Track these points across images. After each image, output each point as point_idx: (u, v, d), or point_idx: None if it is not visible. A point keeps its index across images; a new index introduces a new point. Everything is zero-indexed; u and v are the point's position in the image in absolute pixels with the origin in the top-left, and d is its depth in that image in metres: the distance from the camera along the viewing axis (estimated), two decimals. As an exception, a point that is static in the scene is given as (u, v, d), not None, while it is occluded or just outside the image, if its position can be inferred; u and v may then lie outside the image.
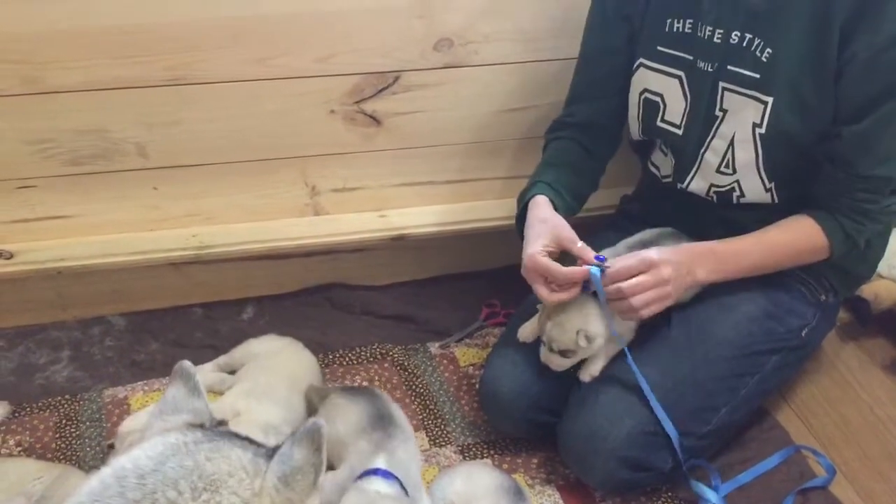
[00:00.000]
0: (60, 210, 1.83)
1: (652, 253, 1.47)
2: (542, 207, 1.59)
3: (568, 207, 1.63)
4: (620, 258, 1.47)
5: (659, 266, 1.45)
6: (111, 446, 1.55)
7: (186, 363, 1.06)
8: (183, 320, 1.93)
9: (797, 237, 1.54)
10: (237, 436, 1.00)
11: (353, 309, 2.02)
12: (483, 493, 1.45)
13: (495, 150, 2.02)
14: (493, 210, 2.04)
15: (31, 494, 1.43)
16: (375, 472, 1.35)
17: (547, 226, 1.54)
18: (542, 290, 1.49)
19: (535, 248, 1.50)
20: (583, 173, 1.71)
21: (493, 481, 1.48)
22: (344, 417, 1.48)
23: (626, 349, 1.52)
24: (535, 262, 1.49)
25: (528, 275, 1.52)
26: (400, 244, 2.00)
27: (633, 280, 1.44)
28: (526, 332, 1.64)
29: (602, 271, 1.45)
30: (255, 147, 1.86)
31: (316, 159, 1.92)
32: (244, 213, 1.94)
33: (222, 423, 1.06)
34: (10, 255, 1.81)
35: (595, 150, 1.73)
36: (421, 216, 2.02)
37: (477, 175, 2.04)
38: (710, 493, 1.53)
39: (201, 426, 1.00)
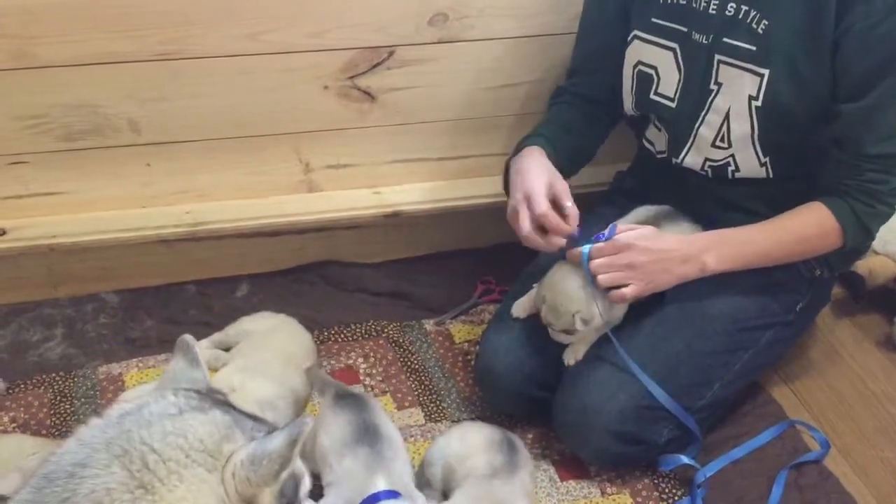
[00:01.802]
0: (53, 186, 1.82)
1: (630, 235, 1.46)
2: (537, 154, 1.58)
3: (561, 168, 1.60)
4: (620, 228, 1.49)
5: (631, 250, 1.45)
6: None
7: (187, 336, 1.09)
8: (177, 297, 1.93)
9: (808, 222, 1.51)
10: (228, 403, 1.01)
11: (347, 286, 2.01)
12: (475, 450, 1.45)
13: (489, 126, 2.01)
14: (487, 187, 2.02)
15: (27, 470, 1.42)
16: (377, 497, 1.33)
17: (544, 169, 1.53)
18: (525, 226, 1.48)
19: (539, 184, 1.49)
20: (581, 138, 1.71)
21: (485, 438, 1.48)
22: (327, 430, 1.46)
23: (609, 332, 1.52)
24: (534, 191, 1.48)
25: (518, 207, 1.49)
26: (394, 221, 1.99)
27: (603, 260, 1.46)
28: (520, 308, 1.64)
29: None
30: (248, 123, 1.85)
31: (310, 136, 1.91)
32: (237, 190, 1.93)
33: (219, 392, 1.06)
34: (3, 232, 1.80)
35: (596, 120, 1.72)
36: (415, 193, 2.01)
37: (471, 152, 2.03)
38: (681, 457, 1.54)
39: (196, 391, 1.01)
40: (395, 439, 1.46)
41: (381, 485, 1.34)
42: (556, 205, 1.51)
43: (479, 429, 1.53)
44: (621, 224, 1.53)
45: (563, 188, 1.52)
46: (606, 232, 1.49)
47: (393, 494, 1.33)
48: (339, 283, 2.01)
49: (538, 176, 1.53)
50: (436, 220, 2.03)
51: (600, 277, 1.46)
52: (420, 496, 1.40)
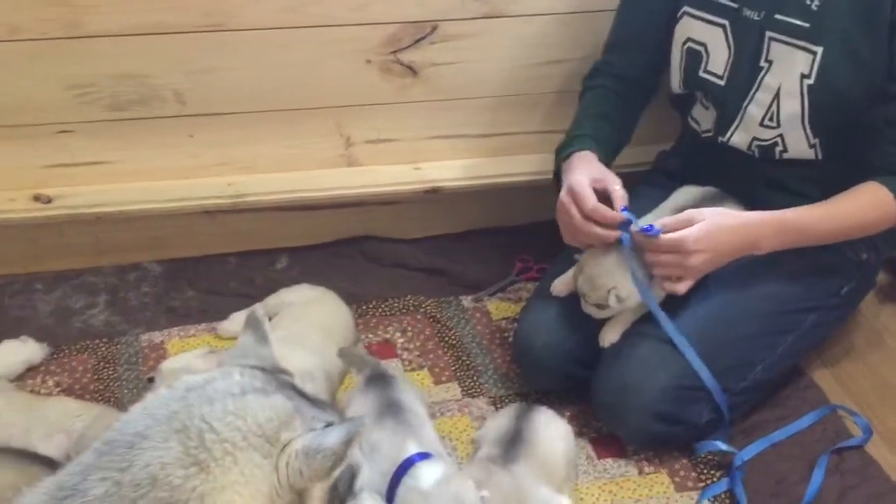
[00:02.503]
0: (99, 156, 1.84)
1: (690, 236, 1.42)
2: (587, 159, 1.58)
3: (605, 161, 1.61)
4: (666, 222, 1.46)
5: (688, 251, 1.43)
6: (150, 380, 1.57)
7: (258, 311, 1.11)
8: (217, 269, 1.94)
9: (867, 204, 1.48)
10: (292, 386, 1.01)
11: (385, 261, 2.01)
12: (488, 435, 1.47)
13: (531, 103, 1.99)
14: (526, 165, 2.02)
15: (72, 432, 1.45)
16: (411, 460, 1.33)
17: (594, 166, 1.54)
18: (575, 219, 1.48)
19: (582, 176, 1.50)
20: (619, 125, 1.70)
21: (498, 426, 1.48)
22: (353, 409, 1.47)
23: (656, 308, 1.50)
24: (580, 184, 1.48)
25: (564, 200, 1.50)
26: (433, 197, 1.99)
27: (659, 258, 1.45)
28: (561, 285, 1.63)
29: (629, 233, 1.46)
30: (289, 96, 1.85)
31: (351, 110, 1.91)
32: (278, 163, 1.94)
33: (285, 371, 1.07)
34: (49, 200, 1.83)
35: (631, 101, 1.71)
36: (455, 169, 2.00)
37: (512, 129, 2.02)
38: (718, 443, 1.52)
39: (263, 370, 1.02)
40: (418, 412, 1.46)
41: (412, 448, 1.35)
42: (602, 198, 1.49)
43: (501, 415, 1.53)
44: (666, 218, 1.49)
45: (611, 178, 1.52)
46: (652, 227, 1.46)
47: (426, 456, 1.34)
48: (378, 259, 2.02)
49: (583, 172, 1.53)
50: (475, 196, 2.02)
51: (656, 271, 1.47)
52: (450, 459, 1.41)
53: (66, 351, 1.73)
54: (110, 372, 1.69)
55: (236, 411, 0.92)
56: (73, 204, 1.83)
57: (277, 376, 1.01)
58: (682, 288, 1.47)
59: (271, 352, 1.06)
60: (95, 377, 1.68)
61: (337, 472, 0.93)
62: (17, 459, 1.32)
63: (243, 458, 0.89)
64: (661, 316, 1.49)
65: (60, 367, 1.69)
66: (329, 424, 0.97)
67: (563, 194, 1.52)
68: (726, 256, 1.47)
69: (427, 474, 1.30)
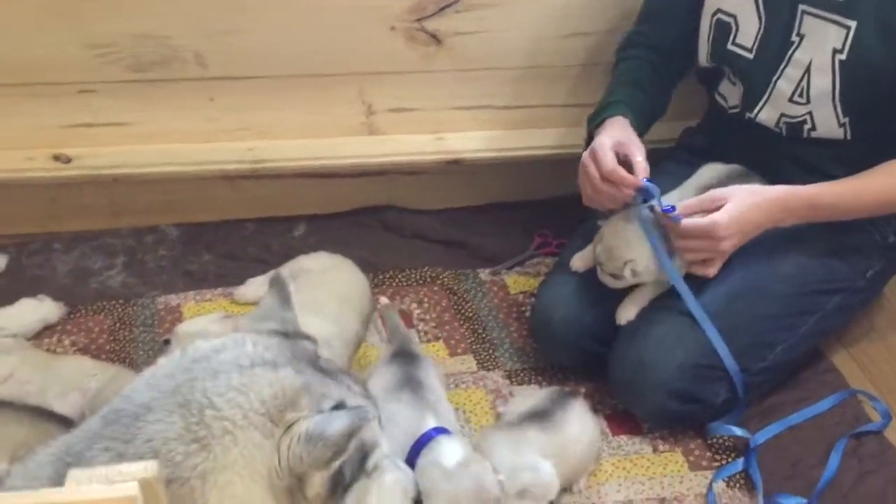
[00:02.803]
0: (119, 117, 1.84)
1: (721, 222, 1.41)
2: (618, 123, 1.56)
3: (638, 131, 1.58)
4: (690, 204, 1.45)
5: (718, 236, 1.42)
6: (166, 342, 1.58)
7: (283, 273, 1.10)
8: (235, 234, 1.94)
9: None
10: (310, 358, 0.97)
11: (404, 232, 2.00)
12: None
13: (556, 76, 1.96)
14: (549, 138, 1.99)
15: (87, 391, 1.46)
16: (429, 435, 1.31)
17: (623, 131, 1.52)
18: (593, 180, 1.47)
19: (606, 138, 1.49)
20: (653, 95, 1.67)
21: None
22: (373, 381, 1.45)
23: (679, 281, 1.48)
24: (601, 145, 1.47)
25: (585, 160, 1.50)
26: (454, 168, 1.97)
27: (689, 244, 1.44)
28: (578, 261, 1.61)
29: (651, 209, 1.45)
30: (312, 61, 1.84)
31: (373, 77, 1.89)
32: (299, 130, 1.92)
33: (308, 337, 1.05)
34: (68, 160, 1.82)
35: (665, 72, 1.68)
36: (477, 141, 1.98)
37: (536, 101, 1.99)
38: (732, 427, 1.51)
39: (284, 334, 1.00)
40: (436, 388, 1.45)
41: (431, 422, 1.34)
42: (625, 165, 1.47)
43: (535, 394, 1.51)
44: (691, 200, 1.47)
45: (637, 146, 1.49)
46: (673, 208, 1.44)
47: (444, 430, 1.33)
48: (397, 229, 2.00)
49: (608, 135, 1.51)
50: (496, 169, 2.00)
51: (688, 258, 1.46)
52: (465, 439, 1.40)
53: (83, 311, 1.74)
54: (126, 333, 1.69)
55: (240, 387, 0.89)
56: (92, 164, 1.82)
57: (294, 344, 0.98)
58: (712, 271, 1.46)
59: (294, 315, 1.04)
60: (111, 338, 1.68)
61: (337, 464, 0.89)
62: (32, 417, 1.33)
63: (243, 438, 0.87)
64: (685, 290, 1.48)
65: (77, 326, 1.70)
66: (339, 405, 0.93)
67: (584, 154, 1.51)
68: (752, 234, 1.46)
69: (449, 451, 1.29)
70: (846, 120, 1.49)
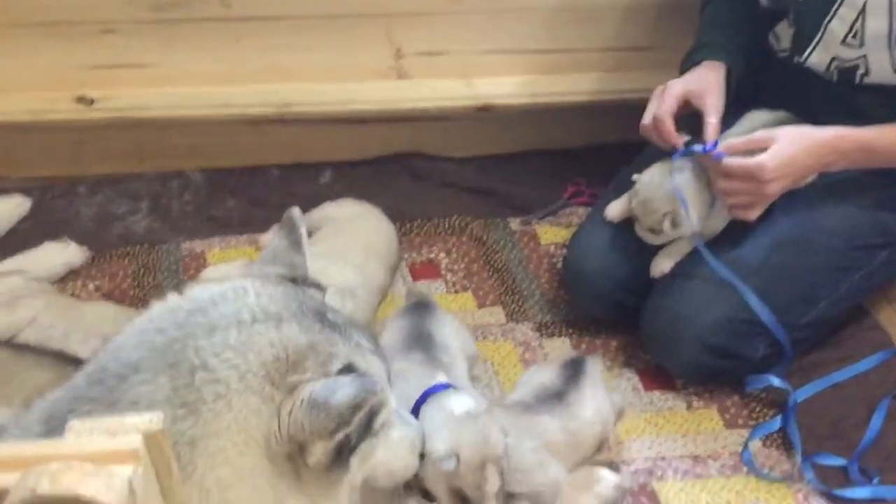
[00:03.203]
0: (142, 58, 1.80)
1: (768, 164, 1.34)
2: (712, 69, 1.49)
3: (740, 73, 1.52)
4: (734, 143, 1.39)
5: (764, 178, 1.35)
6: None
7: (295, 210, 1.01)
8: (260, 180, 1.90)
9: None
10: (320, 310, 0.91)
11: (433, 180, 1.95)
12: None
13: (593, 18, 1.88)
14: (586, 83, 1.92)
15: (108, 337, 1.43)
16: (435, 388, 1.25)
17: (706, 80, 1.46)
18: (645, 117, 1.44)
19: (683, 83, 1.45)
20: (751, 34, 1.58)
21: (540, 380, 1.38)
22: (383, 335, 1.41)
23: (699, 243, 1.43)
24: (670, 91, 1.43)
25: (655, 93, 1.46)
26: (485, 115, 1.91)
27: (733, 186, 1.38)
28: (614, 210, 1.56)
29: (691, 153, 1.40)
30: (339, 1, 1.77)
31: (402, 18, 1.83)
32: (326, 73, 1.87)
33: (317, 284, 1.00)
34: (92, 101, 1.79)
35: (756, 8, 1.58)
36: (509, 86, 1.92)
37: (572, 45, 1.91)
38: (771, 377, 1.45)
39: (293, 280, 0.95)
40: (451, 347, 1.38)
41: (441, 378, 1.28)
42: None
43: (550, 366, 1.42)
44: (735, 139, 1.41)
45: (713, 103, 1.43)
46: (714, 146, 1.39)
47: (444, 387, 1.26)
48: (425, 177, 1.95)
49: (686, 81, 1.46)
50: (529, 116, 1.94)
51: (730, 201, 1.40)
52: (481, 398, 1.34)
53: (107, 256, 1.72)
54: (150, 279, 1.67)
55: (237, 345, 0.82)
56: (115, 107, 1.79)
57: (302, 294, 0.92)
58: (753, 215, 1.40)
59: (304, 260, 0.98)
60: (135, 283, 1.66)
61: (341, 436, 0.83)
62: (54, 362, 1.31)
63: (238, 403, 0.80)
64: (707, 254, 1.43)
65: (101, 271, 1.68)
66: (347, 367, 0.87)
67: (658, 89, 1.47)
68: (800, 179, 1.40)
69: (457, 401, 1.23)
70: (902, 66, 1.41)
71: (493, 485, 1.13)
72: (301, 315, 0.88)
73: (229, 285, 0.89)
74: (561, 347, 1.59)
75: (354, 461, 0.88)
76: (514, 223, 1.86)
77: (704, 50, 1.52)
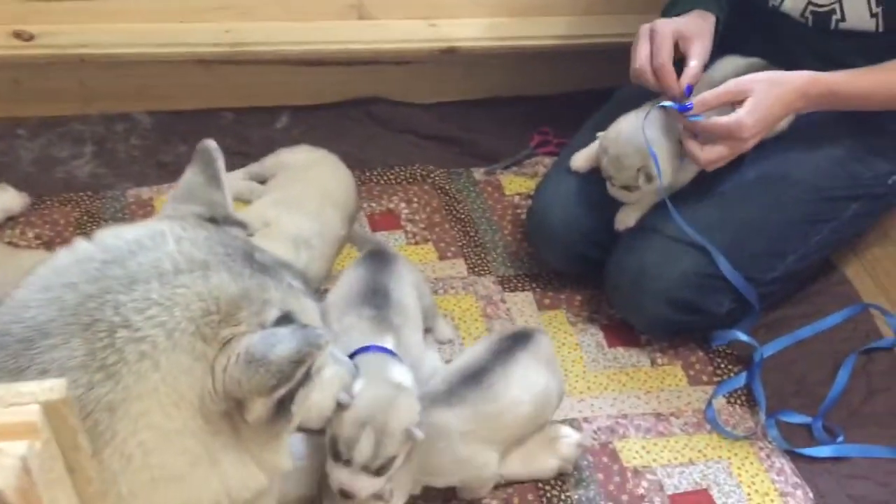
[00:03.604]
0: (84, -9, 1.69)
1: (747, 122, 1.29)
2: (702, 17, 1.42)
3: (723, 25, 1.46)
4: (707, 99, 1.32)
5: (742, 136, 1.30)
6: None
7: (210, 143, 0.91)
8: (212, 124, 1.81)
9: None
10: (248, 253, 0.83)
11: (395, 126, 1.88)
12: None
13: (567, -44, 1.81)
14: (554, 27, 1.85)
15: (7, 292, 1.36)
16: (368, 348, 1.16)
17: (695, 23, 1.39)
18: (643, 62, 1.36)
19: (672, 24, 1.37)
20: None
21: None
22: (337, 285, 1.32)
23: (666, 197, 1.38)
24: (663, 33, 1.35)
25: (641, 36, 1.38)
26: (449, 58, 1.84)
27: (714, 150, 1.33)
28: (581, 160, 1.50)
29: (664, 108, 1.34)
30: (297, -65, 1.68)
31: (363, -47, 1.74)
32: (282, 11, 1.78)
33: (240, 222, 0.92)
34: (31, 37, 1.68)
35: None
36: (475, 28, 1.84)
37: (542, -15, 1.84)
38: (737, 332, 1.42)
39: (212, 220, 0.87)
40: (407, 306, 1.29)
41: (388, 343, 1.19)
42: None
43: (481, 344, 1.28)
44: (707, 93, 1.33)
45: (698, 48, 1.37)
46: (690, 107, 1.33)
47: (386, 351, 1.17)
48: (386, 122, 1.88)
49: (675, 21, 1.39)
50: (495, 60, 1.87)
51: (705, 156, 1.33)
52: (436, 364, 1.28)
53: (49, 202, 1.63)
54: (94, 227, 1.57)
55: (162, 300, 0.75)
56: (55, 43, 1.69)
57: (226, 235, 0.85)
58: (723, 163, 1.35)
59: (223, 196, 0.90)
60: (78, 231, 1.58)
61: (281, 392, 0.77)
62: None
63: (166, 363, 0.74)
64: (674, 212, 1.38)
65: (41, 218, 1.60)
66: (285, 315, 0.81)
67: (644, 30, 1.38)
68: (772, 125, 1.35)
69: (389, 368, 1.13)
70: (879, 10, 1.36)
71: (361, 450, 1.04)
72: (229, 260, 0.81)
73: (144, 230, 0.81)
74: (524, 302, 1.54)
75: (294, 408, 0.83)
76: (478, 172, 1.80)
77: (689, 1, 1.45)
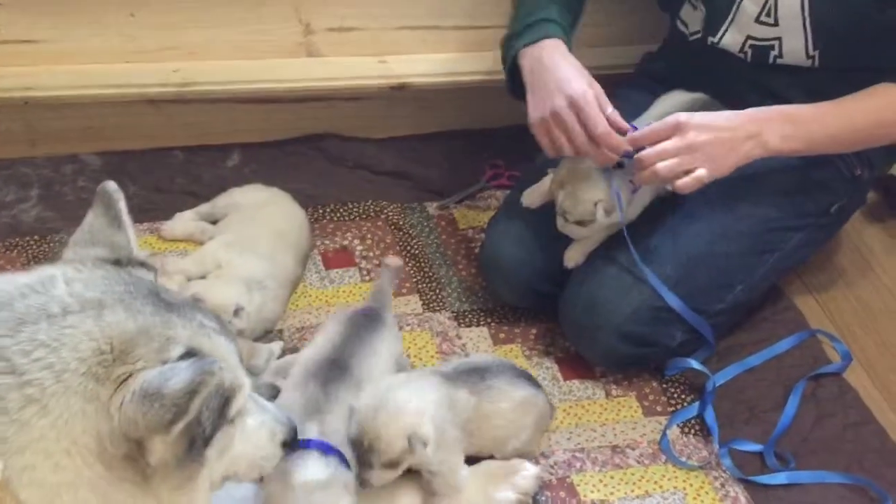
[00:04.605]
0: (28, 33, 1.68)
1: (681, 115, 1.31)
2: (562, 49, 1.41)
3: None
4: (637, 138, 1.33)
5: (686, 131, 1.30)
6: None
7: (110, 184, 0.90)
8: (162, 164, 1.80)
9: (883, 105, 1.37)
10: (152, 291, 0.81)
11: (347, 162, 1.88)
12: None
13: (511, -7, 1.83)
14: (503, 62, 1.87)
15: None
16: (307, 444, 1.14)
17: (579, 71, 1.36)
18: (577, 138, 1.32)
19: (581, 83, 1.33)
20: (578, 7, 1.53)
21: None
22: (314, 342, 1.32)
23: (625, 232, 1.38)
24: (585, 98, 1.30)
25: (562, 112, 1.32)
26: (400, 94, 1.85)
27: (657, 147, 1.31)
28: (533, 196, 1.51)
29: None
30: (243, -26, 1.68)
31: (311, -8, 1.74)
32: (231, 50, 1.78)
33: (145, 263, 0.90)
34: (-27, 81, 1.66)
35: None
36: (425, 64, 1.85)
37: (490, 22, 1.85)
38: (691, 361, 1.44)
39: (117, 262, 0.85)
40: (361, 381, 1.25)
41: (312, 433, 1.16)
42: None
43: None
44: (652, 125, 1.34)
45: (600, 91, 1.35)
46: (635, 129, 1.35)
47: (326, 449, 1.16)
48: (338, 159, 1.88)
49: (578, 80, 1.34)
50: (446, 95, 1.88)
51: (659, 166, 1.29)
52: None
53: (-6, 248, 1.60)
54: (41, 272, 1.56)
55: (49, 341, 0.72)
56: (0, 86, 1.66)
57: (128, 275, 0.83)
58: (704, 174, 1.31)
59: (126, 237, 0.88)
60: (25, 278, 1.54)
61: (179, 427, 0.74)
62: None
63: (56, 406, 0.71)
64: (629, 242, 1.38)
65: (-14, 264, 1.56)
66: (191, 351, 0.78)
67: (561, 104, 1.33)
68: (737, 143, 1.33)
69: (312, 469, 1.13)
70: (815, 53, 1.41)
71: None
72: (129, 298, 0.79)
73: (35, 275, 0.80)
74: (479, 337, 1.55)
75: (212, 453, 0.81)
76: (431, 207, 1.81)
77: (544, 26, 1.43)
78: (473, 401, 1.25)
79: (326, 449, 1.14)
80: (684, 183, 1.31)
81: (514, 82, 1.47)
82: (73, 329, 0.74)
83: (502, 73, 1.83)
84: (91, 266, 0.82)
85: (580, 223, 1.40)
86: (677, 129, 1.31)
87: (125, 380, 0.74)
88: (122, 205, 0.89)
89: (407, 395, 1.18)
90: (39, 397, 0.71)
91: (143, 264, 0.87)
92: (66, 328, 0.74)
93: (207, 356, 0.79)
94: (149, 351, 0.76)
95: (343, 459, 1.16)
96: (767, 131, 1.34)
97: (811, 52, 1.40)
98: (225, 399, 0.80)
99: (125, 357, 0.75)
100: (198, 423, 0.77)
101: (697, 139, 1.30)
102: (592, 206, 1.36)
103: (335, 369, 1.25)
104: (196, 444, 0.78)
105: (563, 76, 1.35)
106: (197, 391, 0.73)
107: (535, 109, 1.38)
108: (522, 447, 1.31)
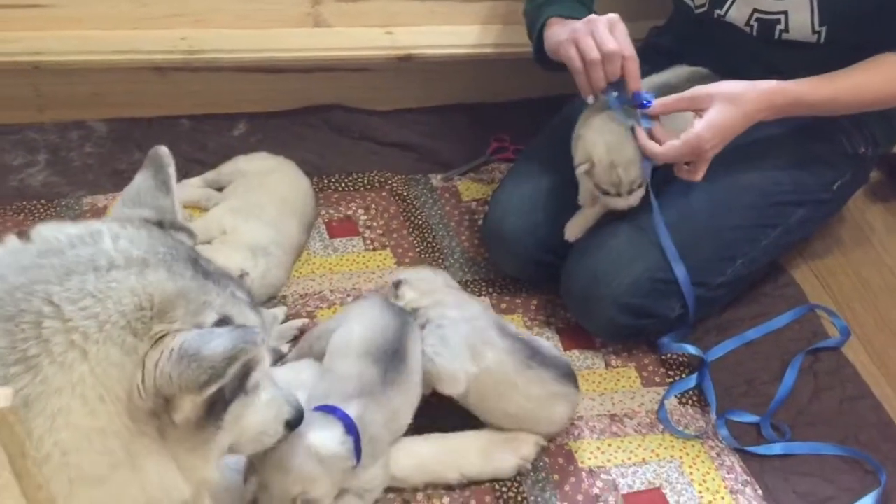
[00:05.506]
0: (37, -1, 1.68)
1: (703, 135, 1.30)
2: None
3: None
4: (668, 101, 1.35)
5: (706, 152, 1.33)
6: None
7: (162, 149, 0.92)
8: (169, 131, 1.80)
9: (888, 79, 1.38)
10: (190, 257, 0.83)
11: (353, 133, 1.88)
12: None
13: (519, -35, 1.83)
14: (512, 35, 1.85)
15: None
16: (338, 412, 1.13)
17: None
18: (589, 53, 1.31)
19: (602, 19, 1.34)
20: None
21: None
22: (359, 319, 1.27)
23: (653, 197, 1.39)
24: (595, 20, 1.32)
25: (578, 35, 1.33)
26: (407, 66, 1.85)
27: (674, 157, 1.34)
28: (574, 229, 1.48)
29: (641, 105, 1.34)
30: (251, -58, 1.68)
31: (320, -38, 1.74)
32: (238, 19, 1.78)
33: (186, 229, 0.92)
34: (-18, 45, 1.67)
35: None
36: (432, 36, 1.85)
37: (498, -7, 1.86)
38: (685, 346, 1.46)
39: (160, 224, 0.88)
40: (414, 376, 1.25)
41: (351, 409, 1.15)
42: None
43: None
44: (668, 98, 1.36)
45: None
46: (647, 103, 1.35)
47: (349, 425, 1.13)
48: (344, 129, 1.88)
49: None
50: (452, 68, 1.88)
51: (681, 174, 1.37)
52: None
53: (1, 211, 1.61)
54: (48, 236, 1.57)
55: (96, 292, 0.75)
56: (8, 50, 1.67)
57: (171, 238, 0.85)
58: (698, 176, 1.36)
59: (172, 202, 0.90)
60: (32, 241, 1.56)
61: (212, 389, 0.76)
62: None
63: (96, 354, 0.74)
64: (656, 207, 1.40)
65: (-6, 227, 1.58)
66: (223, 319, 0.81)
67: (576, 27, 1.34)
68: (736, 134, 1.36)
69: (326, 437, 1.11)
70: (822, 29, 1.40)
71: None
72: (171, 260, 0.81)
73: (84, 227, 0.82)
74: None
75: (228, 419, 0.83)
76: (436, 179, 1.81)
77: (569, 3, 1.45)
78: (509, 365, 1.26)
79: (351, 429, 1.13)
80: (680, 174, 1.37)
81: (541, 50, 1.47)
82: (118, 283, 0.77)
83: (509, 46, 1.86)
84: (136, 225, 0.84)
85: (631, 191, 1.39)
86: (699, 146, 1.31)
87: (161, 337, 0.76)
88: (172, 170, 0.91)
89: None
90: (82, 344, 0.74)
91: (184, 229, 0.90)
92: (112, 282, 0.77)
93: (241, 325, 0.81)
94: (186, 313, 0.78)
95: (357, 450, 1.13)
96: (770, 115, 1.37)
97: (817, 27, 1.40)
98: (246, 371, 0.83)
99: (163, 316, 0.77)
100: (219, 393, 0.79)
101: (711, 154, 1.34)
102: (640, 171, 1.37)
103: (396, 359, 1.22)
104: (216, 408, 0.80)
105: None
106: (237, 357, 0.75)
107: (564, 32, 1.38)
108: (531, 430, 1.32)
